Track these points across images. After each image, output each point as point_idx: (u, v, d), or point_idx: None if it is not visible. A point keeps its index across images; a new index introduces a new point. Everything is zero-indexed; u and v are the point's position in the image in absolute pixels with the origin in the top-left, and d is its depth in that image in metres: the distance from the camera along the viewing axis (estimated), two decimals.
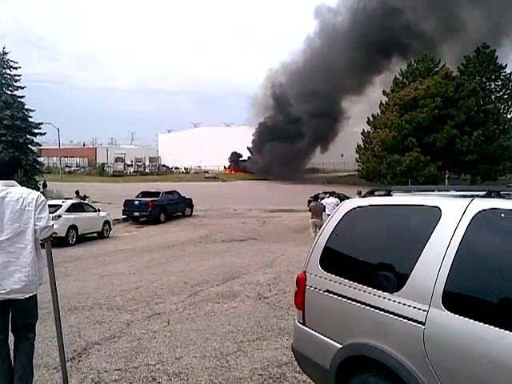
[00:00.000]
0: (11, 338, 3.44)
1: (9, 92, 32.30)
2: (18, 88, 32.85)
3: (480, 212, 2.41)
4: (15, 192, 3.31)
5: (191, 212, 25.27)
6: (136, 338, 5.29)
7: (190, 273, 9.59)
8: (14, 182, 3.39)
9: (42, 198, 3.40)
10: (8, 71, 32.42)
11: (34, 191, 3.46)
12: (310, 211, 14.42)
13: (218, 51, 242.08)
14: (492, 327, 2.12)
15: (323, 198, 19.03)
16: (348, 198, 15.37)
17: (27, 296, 3.27)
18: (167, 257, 12.09)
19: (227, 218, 23.55)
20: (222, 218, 23.59)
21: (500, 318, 2.15)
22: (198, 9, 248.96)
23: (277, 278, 8.90)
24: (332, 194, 17.30)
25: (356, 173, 49.38)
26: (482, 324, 2.17)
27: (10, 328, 3.43)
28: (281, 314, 6.33)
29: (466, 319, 2.23)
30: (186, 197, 25.19)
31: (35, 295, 3.42)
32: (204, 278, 8.95)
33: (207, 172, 72.49)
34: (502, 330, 2.08)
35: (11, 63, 32.45)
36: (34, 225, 3.28)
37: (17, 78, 32.73)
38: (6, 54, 32.24)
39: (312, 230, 13.95)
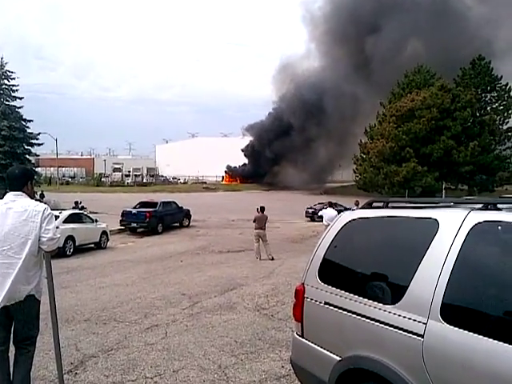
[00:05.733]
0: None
1: (6, 102, 32.42)
2: (15, 98, 33.00)
3: (477, 224, 2.42)
4: (21, 204, 3.36)
5: (189, 222, 25.23)
6: (133, 351, 5.25)
7: (187, 284, 9.55)
8: (22, 193, 3.43)
9: (49, 210, 3.44)
10: (6, 81, 32.57)
11: (41, 204, 3.50)
12: (254, 221, 14.61)
13: (217, 62, 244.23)
14: (490, 340, 2.13)
15: (321, 209, 19.12)
16: (346, 208, 15.45)
17: (15, 301, 3.25)
18: (165, 268, 12.05)
19: (225, 229, 23.51)
20: (219, 229, 23.55)
21: (498, 330, 2.15)
22: (196, 20, 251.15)
23: (275, 289, 8.87)
24: (330, 204, 17.39)
25: (353, 183, 49.48)
26: (480, 337, 2.17)
27: (11, 340, 3.43)
28: (279, 325, 6.30)
29: (465, 332, 2.23)
30: (184, 207, 25.17)
31: (37, 307, 3.43)
32: (202, 289, 8.91)
33: (205, 182, 72.52)
34: (500, 343, 2.09)
35: (9, 74, 32.62)
36: (41, 237, 3.31)
37: (14, 88, 32.89)
38: (4, 64, 32.44)
39: (255, 241, 14.16)
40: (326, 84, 58.19)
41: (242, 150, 71.72)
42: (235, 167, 74.33)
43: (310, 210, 29.16)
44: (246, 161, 72.97)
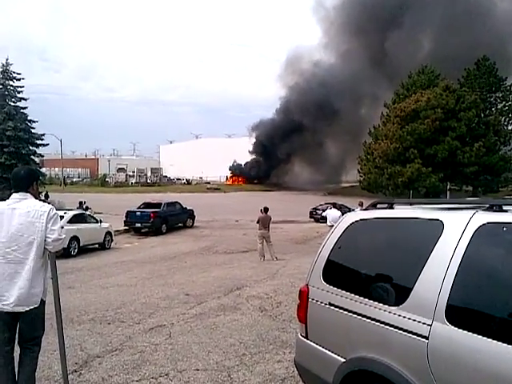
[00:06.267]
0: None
1: (12, 103, 32.55)
2: (20, 99, 33.13)
3: (482, 225, 2.41)
4: (27, 204, 3.38)
5: (193, 223, 25.27)
6: (138, 351, 5.26)
7: (191, 284, 9.56)
8: (27, 194, 3.45)
9: (54, 211, 3.46)
10: (11, 82, 32.70)
11: (46, 204, 3.53)
12: (257, 222, 14.62)
13: (220, 63, 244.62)
14: (496, 342, 2.12)
15: (325, 210, 19.09)
16: (349, 209, 15.41)
17: (30, 308, 3.28)
18: (169, 268, 12.07)
19: (229, 230, 23.53)
20: (223, 230, 23.57)
21: (504, 332, 2.14)
22: (199, 21, 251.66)
23: (279, 290, 8.86)
24: (334, 205, 17.39)
25: (357, 184, 49.35)
26: (485, 338, 2.16)
27: (16, 340, 3.45)
28: (283, 326, 6.29)
29: (470, 333, 2.22)
30: (188, 208, 25.20)
31: (42, 308, 3.44)
32: (206, 290, 8.92)
33: (209, 183, 72.62)
34: (506, 345, 2.08)
35: (14, 74, 32.76)
36: (46, 237, 3.33)
37: (19, 89, 33.01)
38: (9, 65, 32.58)
39: (259, 241, 14.17)
40: (337, 80, 57.76)
41: (250, 152, 71.66)
42: (240, 164, 74.39)
43: (314, 211, 29.14)
44: (250, 161, 73.05)
